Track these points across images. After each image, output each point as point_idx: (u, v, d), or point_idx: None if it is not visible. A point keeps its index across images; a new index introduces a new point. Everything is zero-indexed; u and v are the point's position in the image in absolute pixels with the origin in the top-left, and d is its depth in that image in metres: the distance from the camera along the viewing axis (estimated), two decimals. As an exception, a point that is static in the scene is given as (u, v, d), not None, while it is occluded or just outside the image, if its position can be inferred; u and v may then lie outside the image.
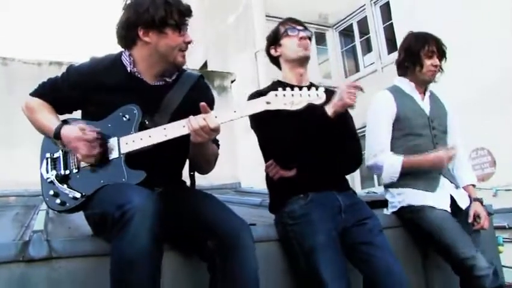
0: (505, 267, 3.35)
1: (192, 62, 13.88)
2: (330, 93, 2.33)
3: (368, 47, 12.25)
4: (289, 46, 2.46)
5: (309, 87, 2.31)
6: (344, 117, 2.34)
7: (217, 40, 13.41)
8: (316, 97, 1.88)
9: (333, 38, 12.94)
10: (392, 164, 2.69)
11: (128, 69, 2.09)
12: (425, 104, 2.86)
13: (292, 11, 11.85)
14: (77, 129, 1.93)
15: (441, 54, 2.84)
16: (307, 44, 2.47)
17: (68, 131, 1.96)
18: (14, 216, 3.30)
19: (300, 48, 2.45)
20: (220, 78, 6.32)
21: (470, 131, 6.99)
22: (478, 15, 7.89)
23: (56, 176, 2.00)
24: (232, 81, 6.42)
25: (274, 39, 2.54)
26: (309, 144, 2.29)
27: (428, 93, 2.90)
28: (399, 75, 2.94)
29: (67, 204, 1.97)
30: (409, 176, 2.70)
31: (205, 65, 14.18)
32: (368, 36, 12.15)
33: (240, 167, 6.33)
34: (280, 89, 1.87)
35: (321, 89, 1.90)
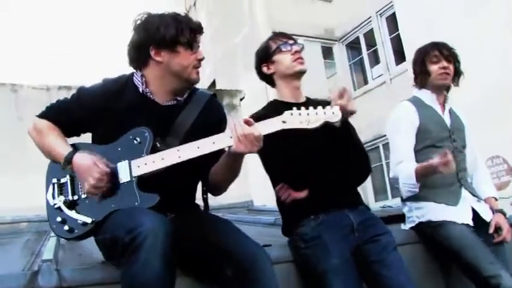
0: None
1: (201, 81, 13.90)
2: (326, 104, 2.28)
3: (375, 59, 12.24)
4: (284, 62, 2.38)
5: (307, 103, 2.28)
6: (347, 127, 2.29)
7: (225, 59, 13.48)
8: (332, 115, 1.83)
9: (340, 51, 12.96)
10: (407, 174, 2.61)
11: (140, 89, 2.05)
12: (445, 116, 2.80)
13: (298, 27, 12.04)
14: (89, 159, 1.88)
15: (449, 56, 2.79)
16: (302, 57, 2.41)
17: (80, 159, 1.91)
18: (24, 244, 3.27)
19: (295, 63, 2.38)
20: (229, 96, 6.31)
21: (484, 139, 6.87)
22: (485, 21, 7.83)
23: (64, 202, 1.94)
24: (241, 99, 6.40)
25: (265, 56, 2.44)
26: (317, 161, 2.24)
27: (448, 106, 2.84)
28: (419, 88, 2.88)
29: (76, 230, 1.91)
30: (428, 189, 2.63)
31: (213, 83, 14.24)
32: (375, 48, 12.14)
33: (252, 185, 6.27)
34: (295, 108, 1.82)
35: (336, 107, 1.85)
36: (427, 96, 2.82)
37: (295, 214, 2.29)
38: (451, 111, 2.85)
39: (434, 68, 2.76)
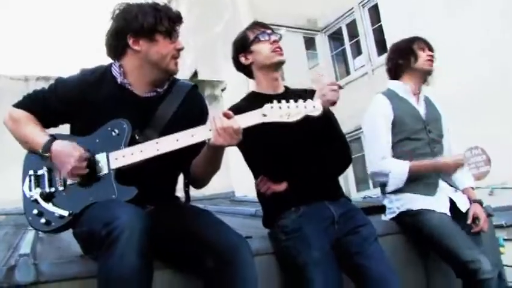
0: (506, 266, 3.30)
1: (182, 71, 13.80)
2: (311, 93, 2.27)
3: (357, 50, 12.25)
4: (262, 52, 2.34)
5: (286, 93, 2.26)
6: (329, 118, 2.27)
7: (207, 48, 13.36)
8: (313, 109, 1.82)
9: (322, 42, 12.93)
10: (399, 170, 2.63)
11: (119, 80, 2.02)
12: (420, 107, 2.82)
13: (280, 17, 11.99)
14: (67, 144, 1.87)
15: (431, 50, 2.83)
16: (280, 47, 2.37)
17: (59, 146, 1.88)
18: (2, 237, 3.22)
19: (274, 53, 2.34)
20: (211, 87, 6.27)
21: (463, 129, 6.95)
22: (469, 14, 7.89)
23: (41, 194, 1.91)
24: (222, 90, 6.38)
25: (243, 46, 2.40)
26: (297, 153, 2.23)
27: (422, 97, 2.86)
28: (392, 79, 2.90)
29: (53, 223, 1.88)
30: (407, 181, 2.65)
31: (195, 73, 14.15)
32: (357, 39, 12.14)
33: (233, 175, 6.27)
34: (275, 101, 1.80)
35: (317, 101, 1.84)
36: (401, 88, 2.83)
37: (276, 206, 2.28)
38: (426, 101, 2.87)
39: (422, 54, 2.81)
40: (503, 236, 5.10)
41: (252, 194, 5.08)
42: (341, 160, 2.42)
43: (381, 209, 2.87)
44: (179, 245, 1.90)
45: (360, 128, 10.39)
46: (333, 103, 2.15)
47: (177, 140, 1.84)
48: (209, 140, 1.85)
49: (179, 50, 2.02)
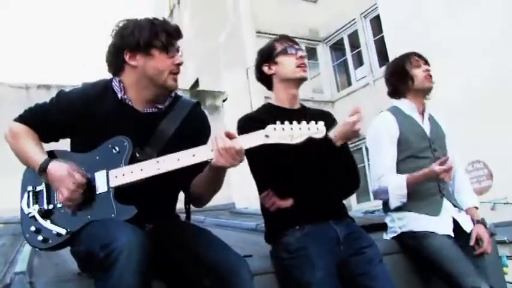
0: (509, 283, 3.26)
1: (184, 79, 13.84)
2: (325, 116, 2.27)
3: (359, 61, 12.26)
4: (287, 65, 2.33)
5: (301, 111, 2.23)
6: (344, 150, 2.26)
7: (209, 58, 13.38)
8: (317, 131, 1.78)
9: (324, 52, 12.96)
10: (398, 184, 2.60)
11: (119, 96, 2.00)
12: (425, 126, 2.79)
13: (282, 27, 12.01)
14: (66, 169, 1.82)
15: (427, 63, 2.81)
16: (305, 64, 2.37)
17: (55, 169, 1.84)
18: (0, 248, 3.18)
19: (298, 68, 2.33)
20: (212, 98, 6.25)
21: (465, 143, 6.92)
22: (471, 24, 7.88)
23: (39, 211, 1.88)
24: (223, 100, 6.36)
25: (268, 56, 2.39)
26: (305, 172, 2.20)
27: (427, 115, 2.83)
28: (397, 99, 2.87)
29: (50, 241, 1.86)
30: (410, 200, 2.62)
31: (196, 82, 14.15)
32: (359, 49, 12.16)
33: (233, 186, 6.24)
34: (278, 122, 1.76)
35: (321, 123, 1.80)
36: (407, 106, 2.80)
37: (280, 223, 2.25)
38: (430, 119, 2.84)
39: (417, 72, 2.76)
40: (506, 253, 5.05)
41: (252, 206, 5.06)
42: (349, 183, 2.41)
43: (383, 226, 2.83)
44: (178, 265, 1.87)
45: (362, 139, 10.46)
46: (358, 135, 2.12)
47: (178, 160, 1.81)
48: (211, 160, 1.82)
49: (178, 65, 1.99)
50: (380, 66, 11.18)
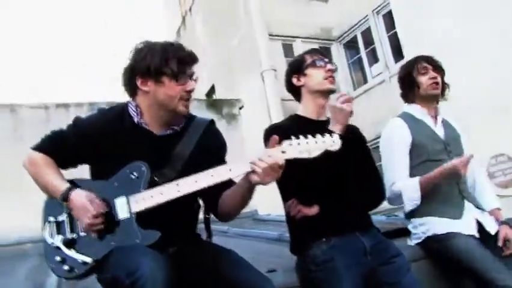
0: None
1: (199, 87, 13.89)
2: (354, 129, 2.38)
3: (374, 58, 12.17)
4: (316, 77, 2.39)
5: (327, 123, 2.26)
6: (365, 149, 2.33)
7: (223, 63, 13.41)
8: (332, 143, 1.80)
9: (338, 51, 12.88)
10: (410, 187, 2.59)
11: (135, 120, 2.02)
12: (438, 129, 2.77)
13: (294, 28, 11.95)
14: (84, 197, 1.85)
15: (436, 67, 2.77)
16: (333, 77, 2.43)
17: (76, 198, 1.88)
18: (29, 271, 3.23)
19: (326, 81, 2.39)
20: (229, 106, 6.27)
21: (486, 138, 6.82)
22: (485, 17, 7.76)
23: (63, 241, 1.91)
24: (240, 108, 6.36)
25: (298, 68, 2.45)
26: (332, 182, 2.20)
27: (440, 118, 2.81)
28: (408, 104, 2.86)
29: (76, 270, 1.88)
30: (432, 203, 2.59)
31: (212, 89, 14.21)
32: (373, 46, 12.07)
33: (255, 192, 6.24)
34: (293, 137, 1.79)
35: (336, 136, 1.82)
36: (418, 110, 2.78)
37: (306, 235, 2.26)
38: (444, 122, 2.82)
39: (423, 79, 2.76)
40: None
41: (275, 211, 5.05)
42: (374, 195, 2.43)
43: (406, 231, 2.81)
44: (201, 286, 1.88)
45: (379, 137, 10.32)
46: (349, 113, 2.20)
47: (196, 182, 1.83)
48: (248, 179, 1.83)
49: (188, 92, 1.99)
50: (396, 62, 11.09)
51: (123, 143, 1.98)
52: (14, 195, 5.04)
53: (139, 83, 1.96)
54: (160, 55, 1.93)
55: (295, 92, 2.49)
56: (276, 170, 1.77)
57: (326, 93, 2.42)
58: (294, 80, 2.46)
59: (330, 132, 1.84)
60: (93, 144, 1.99)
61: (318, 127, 1.95)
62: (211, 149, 2.07)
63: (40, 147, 2.05)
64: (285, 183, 2.25)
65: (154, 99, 1.98)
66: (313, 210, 2.22)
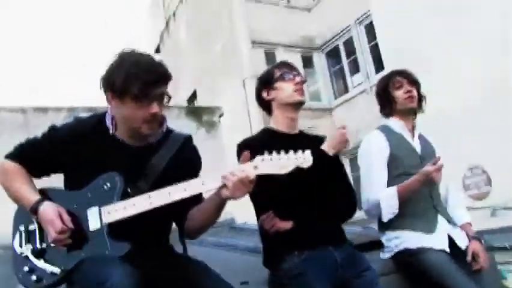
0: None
1: (182, 91, 13.86)
2: (321, 141, 2.33)
3: (355, 67, 12.29)
4: (285, 90, 2.40)
5: (299, 136, 2.27)
6: (338, 162, 2.36)
7: (206, 69, 13.43)
8: (303, 161, 1.81)
9: (320, 60, 13.00)
10: (388, 195, 2.61)
11: (111, 131, 2.00)
12: (415, 143, 2.81)
13: (277, 36, 12.01)
14: (52, 212, 1.83)
15: (411, 80, 2.82)
16: (303, 89, 2.44)
17: (45, 211, 1.85)
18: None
19: (296, 93, 2.40)
20: (209, 113, 6.26)
21: (463, 149, 6.92)
22: (465, 29, 7.88)
23: (32, 251, 1.89)
24: (220, 116, 6.36)
25: (267, 82, 2.46)
26: (303, 197, 2.22)
27: (417, 133, 2.86)
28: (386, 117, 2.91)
29: (44, 281, 1.86)
30: (406, 217, 2.63)
31: (194, 94, 14.19)
32: (355, 56, 12.19)
33: (232, 201, 6.23)
34: (266, 152, 1.79)
35: (308, 152, 1.82)
36: (396, 124, 2.83)
37: (279, 248, 2.26)
38: (420, 137, 2.87)
39: (398, 94, 2.80)
40: (506, 268, 5.00)
41: (253, 220, 5.05)
42: (346, 206, 2.45)
43: (381, 244, 2.84)
44: None
45: (359, 147, 10.40)
46: (346, 144, 2.28)
47: (169, 194, 1.82)
48: (219, 194, 1.83)
49: (151, 115, 1.89)
50: (376, 72, 11.21)
51: (98, 153, 1.96)
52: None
53: (108, 96, 1.92)
54: (124, 74, 1.84)
55: (266, 106, 2.50)
56: (247, 184, 1.77)
57: (296, 105, 2.43)
58: (264, 94, 2.47)
59: (303, 149, 1.84)
60: (67, 152, 1.98)
61: (290, 141, 1.99)
62: (186, 164, 2.05)
63: (13, 156, 2.03)
64: (258, 197, 2.26)
65: (119, 115, 1.95)
66: (288, 224, 2.23)
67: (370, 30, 11.53)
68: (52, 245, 1.88)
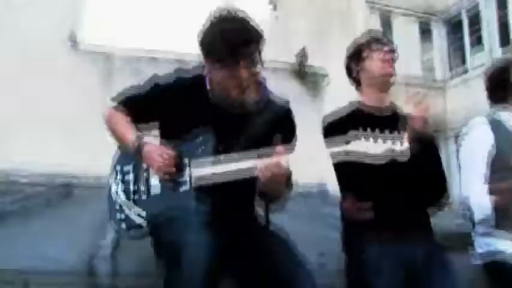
0: None
1: (292, 51, 13.72)
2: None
3: (477, 41, 11.41)
4: (373, 64, 2.26)
5: (390, 116, 2.19)
6: (426, 151, 2.17)
7: (318, 26, 13.16)
8: (400, 146, 1.79)
9: (439, 29, 12.23)
10: (481, 194, 2.42)
11: (210, 94, 2.00)
12: None
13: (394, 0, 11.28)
14: (157, 146, 1.92)
15: None
16: (391, 64, 2.26)
17: (150, 145, 1.92)
18: (91, 217, 3.30)
19: (384, 64, 2.24)
20: (314, 77, 6.15)
21: None
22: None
23: (124, 191, 1.98)
24: (326, 81, 6.23)
25: (355, 53, 2.32)
26: (388, 189, 2.14)
27: None
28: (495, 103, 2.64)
29: (131, 231, 1.94)
30: (504, 221, 2.44)
31: (304, 55, 14.04)
32: (478, 28, 11.29)
33: (325, 166, 6.18)
34: (361, 128, 1.78)
35: (405, 145, 1.79)
36: (506, 115, 2.56)
37: (358, 238, 2.22)
38: None
39: None
40: None
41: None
42: (434, 197, 2.31)
43: (471, 244, 2.67)
44: (247, 272, 1.91)
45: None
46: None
47: (258, 156, 1.81)
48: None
49: (240, 79, 1.85)
50: (501, 46, 10.35)
51: (194, 112, 1.97)
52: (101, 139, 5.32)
53: (203, 58, 1.90)
54: (211, 37, 1.82)
55: (355, 80, 2.36)
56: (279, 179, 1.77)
57: (384, 80, 2.27)
58: (353, 66, 2.33)
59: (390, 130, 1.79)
60: (165, 106, 2.00)
61: (379, 120, 1.90)
62: (281, 133, 2.02)
63: (116, 100, 2.10)
64: (343, 177, 2.22)
65: (213, 79, 1.93)
66: (368, 215, 2.17)
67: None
68: (143, 188, 1.96)
